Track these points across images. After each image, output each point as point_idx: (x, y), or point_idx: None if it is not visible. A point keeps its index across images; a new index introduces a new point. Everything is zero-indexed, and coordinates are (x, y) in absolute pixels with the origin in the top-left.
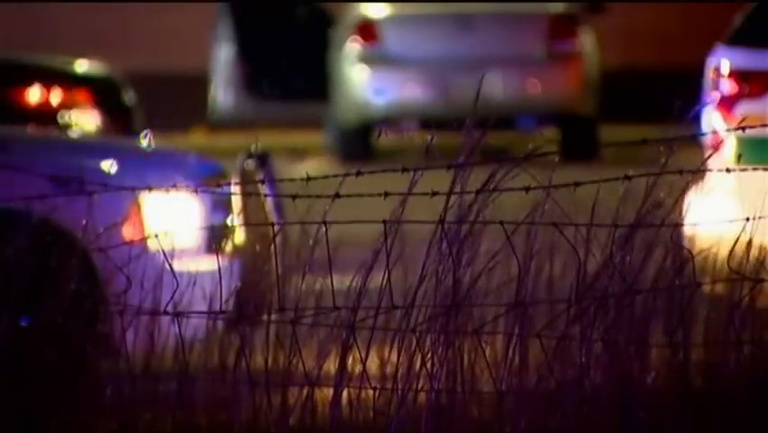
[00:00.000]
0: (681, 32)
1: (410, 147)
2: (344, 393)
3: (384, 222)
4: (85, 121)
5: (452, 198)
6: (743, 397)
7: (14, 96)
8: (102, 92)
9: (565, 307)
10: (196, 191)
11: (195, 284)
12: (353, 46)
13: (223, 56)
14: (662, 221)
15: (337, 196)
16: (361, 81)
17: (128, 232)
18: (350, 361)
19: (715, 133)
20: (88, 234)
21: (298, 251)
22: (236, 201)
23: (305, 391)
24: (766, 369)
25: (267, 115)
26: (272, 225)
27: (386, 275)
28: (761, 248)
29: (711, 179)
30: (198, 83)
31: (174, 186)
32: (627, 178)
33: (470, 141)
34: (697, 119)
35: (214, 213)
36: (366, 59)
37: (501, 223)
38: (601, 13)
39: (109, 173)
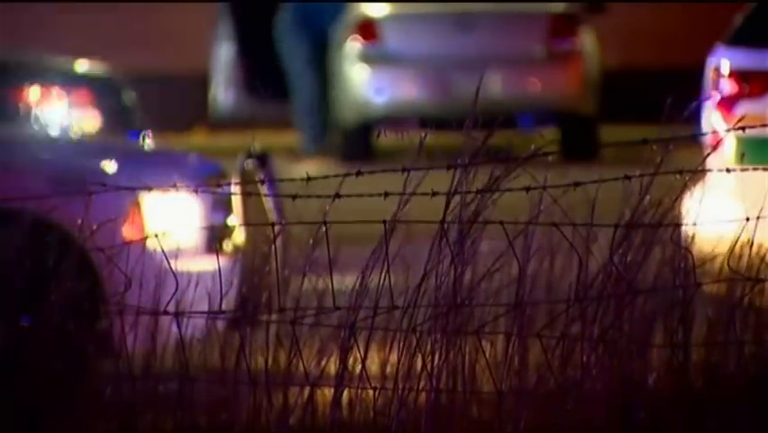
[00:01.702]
0: (681, 32)
1: (410, 147)
2: (345, 393)
3: (384, 222)
4: (85, 121)
5: (455, 198)
6: (743, 397)
7: (14, 96)
8: (102, 92)
9: (565, 307)
10: (196, 191)
11: (195, 284)
12: (353, 45)
13: (223, 56)
14: (659, 221)
15: (337, 196)
16: (361, 80)
17: (128, 232)
18: (350, 361)
19: (715, 132)
20: (87, 234)
21: (299, 251)
22: (236, 201)
23: (305, 392)
24: (766, 369)
25: (267, 115)
26: (272, 225)
27: (385, 275)
28: (760, 248)
29: (711, 179)
30: (198, 83)
31: (174, 186)
32: (627, 178)
33: (473, 141)
34: (696, 118)
35: (214, 213)
36: (366, 58)
37: (502, 223)
38: (601, 13)
39: (109, 173)
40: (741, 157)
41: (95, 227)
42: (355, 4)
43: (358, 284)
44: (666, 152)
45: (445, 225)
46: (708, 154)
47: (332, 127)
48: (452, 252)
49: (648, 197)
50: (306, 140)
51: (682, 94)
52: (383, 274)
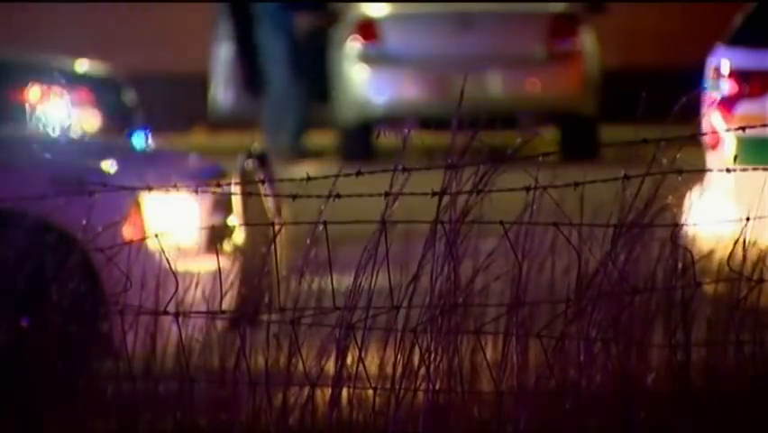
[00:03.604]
0: (681, 32)
1: (410, 147)
2: (344, 393)
3: (383, 222)
4: (85, 121)
5: (450, 197)
6: (743, 397)
7: (14, 96)
8: (102, 92)
9: (564, 307)
10: (196, 191)
11: (195, 284)
12: (354, 45)
13: (223, 56)
14: (652, 220)
15: (337, 196)
16: (361, 80)
17: (128, 232)
18: (349, 361)
19: (714, 132)
20: (88, 234)
21: (297, 251)
22: (236, 201)
23: (305, 392)
24: (766, 369)
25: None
26: (272, 225)
27: (384, 275)
28: (759, 248)
29: (711, 179)
30: (198, 83)
31: (174, 186)
32: (627, 178)
33: (465, 140)
34: (696, 118)
35: (214, 213)
36: (366, 58)
37: (501, 223)
38: (601, 13)
39: (109, 173)
40: (734, 158)
41: (96, 229)
42: (355, 4)
43: (355, 284)
44: (671, 152)
45: (441, 224)
46: (681, 149)
47: (308, 128)
48: (451, 250)
49: (647, 196)
50: (280, 139)
51: (682, 94)
52: (381, 274)
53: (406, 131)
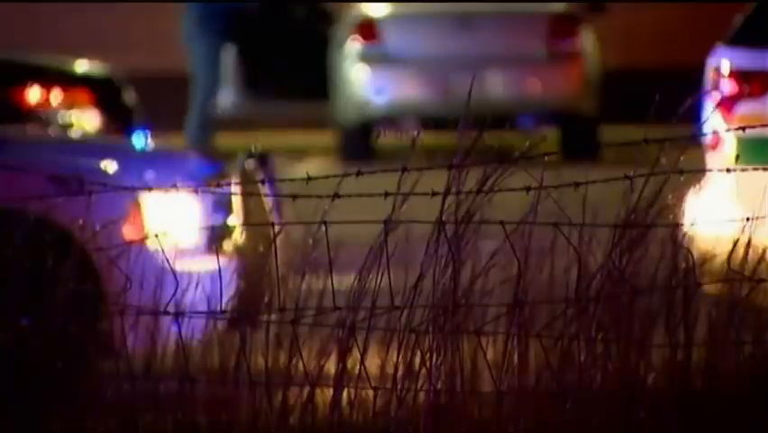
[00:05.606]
0: (681, 32)
1: (410, 147)
2: (344, 394)
3: (384, 222)
4: (85, 121)
5: (452, 197)
6: (743, 397)
7: (14, 96)
8: (102, 92)
9: (565, 307)
10: (196, 191)
11: (194, 284)
12: (354, 45)
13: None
14: (653, 221)
15: (337, 196)
16: (361, 80)
17: (128, 232)
18: (350, 361)
19: (715, 132)
20: (87, 234)
21: (296, 251)
22: (236, 201)
23: (305, 392)
24: (766, 369)
25: (267, 115)
26: (272, 225)
27: (384, 275)
28: (757, 248)
29: (711, 179)
30: None
31: (174, 186)
32: (627, 178)
33: (467, 140)
34: (696, 118)
35: (214, 213)
36: (366, 58)
37: (502, 223)
38: (601, 13)
39: (109, 173)
40: (735, 158)
41: (95, 228)
42: (355, 4)
43: (356, 284)
44: (671, 152)
45: (442, 225)
46: (684, 141)
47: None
48: (451, 251)
49: (647, 197)
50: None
51: (683, 94)
52: (381, 274)
53: (413, 131)
